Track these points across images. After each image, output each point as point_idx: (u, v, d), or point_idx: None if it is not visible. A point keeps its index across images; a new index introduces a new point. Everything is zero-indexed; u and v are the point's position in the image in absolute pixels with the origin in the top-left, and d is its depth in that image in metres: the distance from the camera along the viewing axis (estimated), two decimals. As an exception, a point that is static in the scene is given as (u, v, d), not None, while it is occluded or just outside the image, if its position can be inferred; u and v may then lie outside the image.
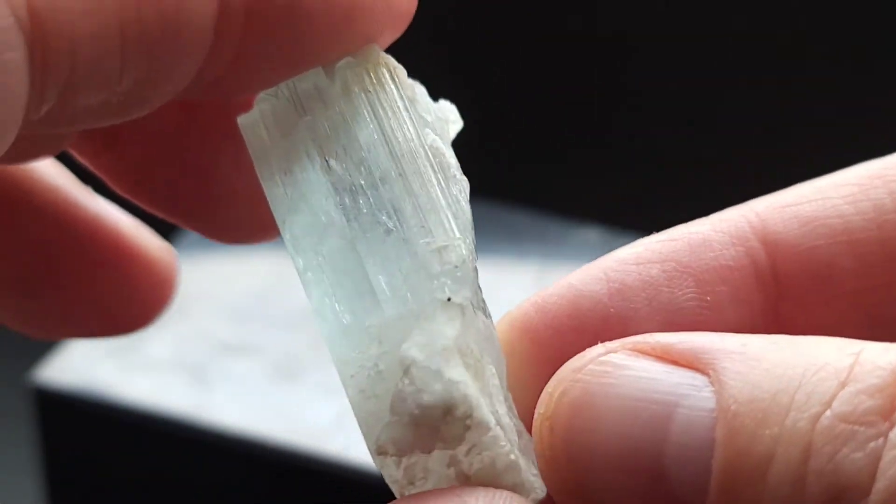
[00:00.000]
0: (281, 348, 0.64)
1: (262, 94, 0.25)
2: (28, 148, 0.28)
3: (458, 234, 0.23)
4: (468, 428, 0.23)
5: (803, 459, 0.21)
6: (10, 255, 0.30)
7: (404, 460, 0.23)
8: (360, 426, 0.23)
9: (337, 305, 0.24)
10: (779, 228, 0.25)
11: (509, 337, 0.25)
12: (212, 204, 0.29)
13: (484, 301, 0.24)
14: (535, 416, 0.22)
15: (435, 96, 0.26)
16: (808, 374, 0.21)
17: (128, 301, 0.31)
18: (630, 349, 0.22)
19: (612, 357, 0.22)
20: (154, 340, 0.63)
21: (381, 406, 0.23)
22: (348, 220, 0.24)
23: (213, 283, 0.67)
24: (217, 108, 0.28)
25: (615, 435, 0.22)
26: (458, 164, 0.25)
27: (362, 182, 0.24)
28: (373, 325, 0.23)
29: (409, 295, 0.23)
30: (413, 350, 0.23)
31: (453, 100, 0.26)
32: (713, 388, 0.21)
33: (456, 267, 0.23)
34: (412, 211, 0.24)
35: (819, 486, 0.20)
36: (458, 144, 0.25)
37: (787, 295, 0.25)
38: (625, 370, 0.22)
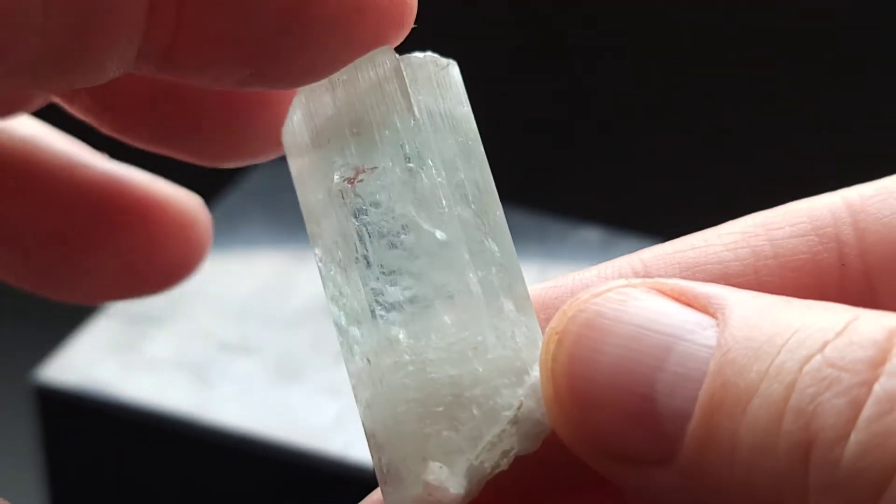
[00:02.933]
0: (281, 348, 0.64)
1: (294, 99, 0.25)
2: None
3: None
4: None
5: (784, 396, 0.21)
6: (30, 223, 0.30)
7: None
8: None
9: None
10: (661, 274, 0.26)
11: None
12: (195, 125, 0.29)
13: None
14: (546, 330, 0.23)
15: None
16: (807, 322, 0.22)
17: (162, 252, 0.31)
18: (650, 286, 0.23)
19: (631, 290, 0.23)
20: (155, 340, 0.63)
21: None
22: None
23: (213, 283, 0.67)
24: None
25: (617, 355, 0.23)
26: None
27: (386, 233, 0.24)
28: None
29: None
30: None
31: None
32: (717, 329, 0.22)
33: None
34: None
35: (795, 424, 0.21)
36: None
37: None
38: (639, 301, 0.23)
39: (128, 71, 0.24)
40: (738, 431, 0.21)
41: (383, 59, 0.25)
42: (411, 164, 0.24)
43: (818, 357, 0.21)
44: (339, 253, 0.24)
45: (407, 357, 0.24)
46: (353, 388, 0.24)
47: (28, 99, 0.29)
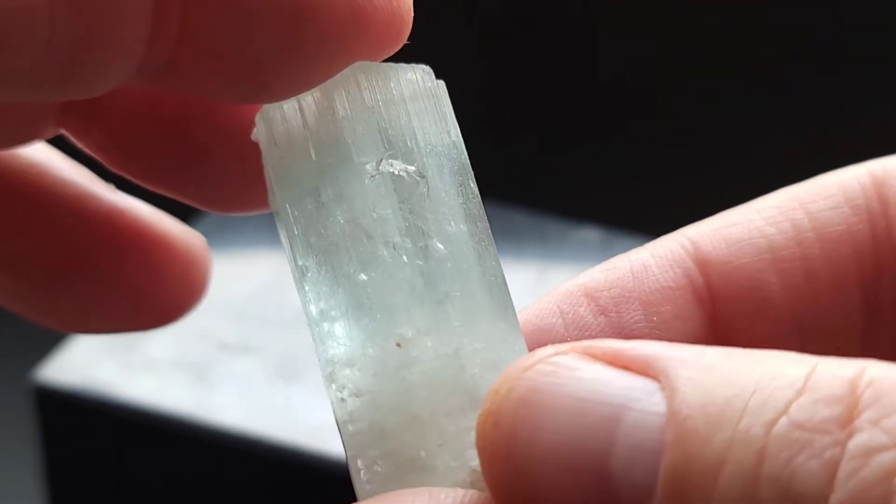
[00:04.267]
0: (281, 348, 0.64)
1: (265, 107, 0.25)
2: None
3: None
4: None
5: (757, 463, 0.20)
6: (33, 250, 0.30)
7: None
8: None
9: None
10: (709, 249, 0.26)
11: None
12: (202, 172, 0.29)
13: None
14: (480, 413, 0.22)
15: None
16: (763, 381, 0.21)
17: (161, 288, 0.31)
18: (580, 352, 0.22)
19: (561, 358, 0.22)
20: (155, 340, 0.63)
21: None
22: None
23: (213, 283, 0.67)
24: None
25: (561, 433, 0.21)
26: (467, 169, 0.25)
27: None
28: None
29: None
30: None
31: (453, 100, 0.26)
32: (664, 394, 0.21)
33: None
34: None
35: (773, 492, 0.20)
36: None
37: (722, 309, 0.26)
38: (574, 371, 0.22)
39: (128, 83, 0.24)
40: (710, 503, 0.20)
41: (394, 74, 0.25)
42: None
43: (784, 420, 0.20)
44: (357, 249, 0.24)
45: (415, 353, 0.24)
46: (331, 375, 0.24)
47: (40, 128, 0.29)
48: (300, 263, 0.25)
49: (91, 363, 0.62)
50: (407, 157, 0.25)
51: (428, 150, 0.25)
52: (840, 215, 0.26)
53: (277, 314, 0.65)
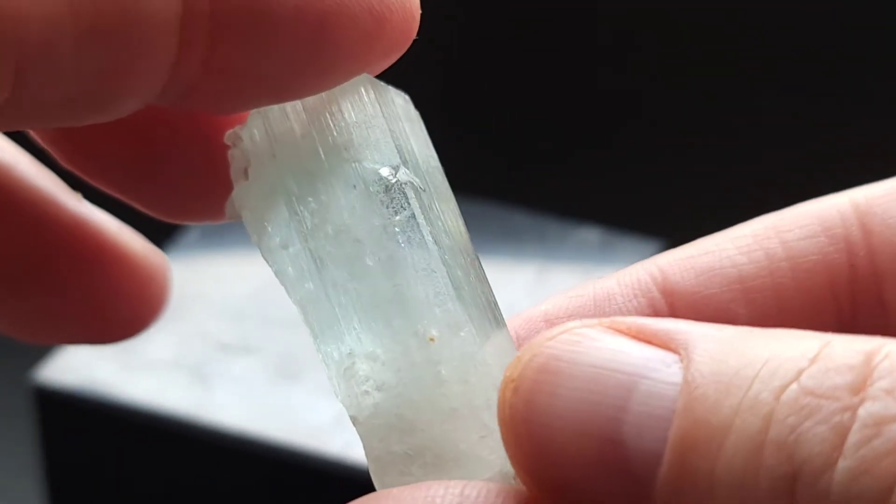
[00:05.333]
0: (281, 348, 0.64)
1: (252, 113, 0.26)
2: None
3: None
4: None
5: (762, 429, 0.20)
6: None
7: None
8: None
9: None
10: (677, 279, 0.26)
11: None
12: (157, 177, 0.28)
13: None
14: (502, 380, 0.22)
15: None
16: (777, 352, 0.21)
17: (118, 304, 0.30)
18: (606, 325, 0.22)
19: (586, 330, 0.22)
20: (154, 340, 0.63)
21: None
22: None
23: (213, 283, 0.67)
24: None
25: (577, 398, 0.22)
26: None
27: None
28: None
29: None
30: None
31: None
32: (682, 365, 0.21)
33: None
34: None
35: (777, 458, 0.20)
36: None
37: None
38: (597, 341, 0.22)
39: (149, 104, 0.24)
40: (714, 471, 0.20)
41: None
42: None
43: (794, 386, 0.20)
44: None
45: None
46: (351, 368, 0.24)
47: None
48: (317, 254, 0.25)
49: (91, 363, 0.62)
50: (416, 170, 0.25)
51: (425, 168, 0.25)
52: (815, 244, 0.26)
53: (277, 314, 0.65)
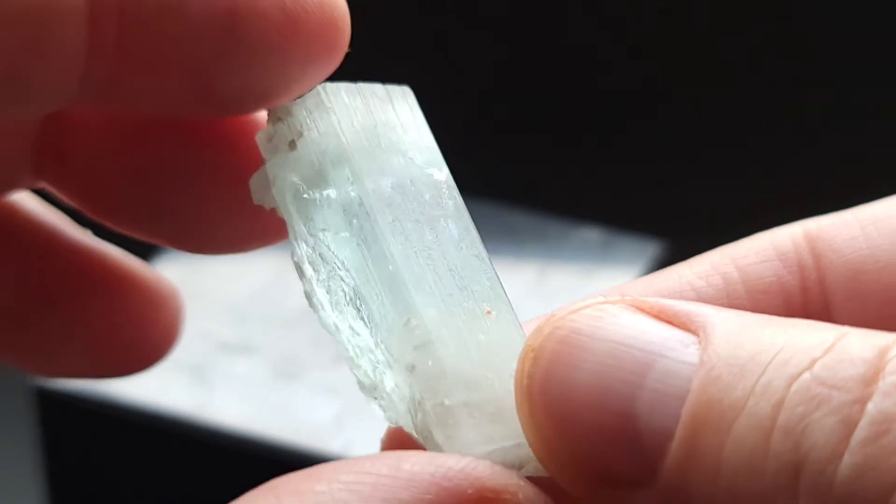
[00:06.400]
0: (281, 348, 0.64)
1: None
2: None
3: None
4: None
5: (772, 415, 0.21)
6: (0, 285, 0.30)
7: None
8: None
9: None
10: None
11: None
12: (182, 217, 0.29)
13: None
14: (522, 349, 0.23)
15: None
16: (793, 340, 0.21)
17: (126, 335, 0.30)
18: (628, 303, 0.23)
19: (610, 307, 0.23)
20: (155, 340, 0.63)
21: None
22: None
23: (213, 283, 0.67)
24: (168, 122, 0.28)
25: (595, 372, 0.22)
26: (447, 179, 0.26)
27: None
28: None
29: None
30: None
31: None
32: (699, 346, 0.22)
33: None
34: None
35: (784, 444, 0.20)
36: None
37: None
38: (618, 318, 0.22)
39: (75, 101, 0.24)
40: (722, 451, 0.21)
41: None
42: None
43: (806, 375, 0.21)
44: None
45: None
46: (407, 322, 0.25)
47: (16, 176, 0.29)
48: (380, 226, 0.26)
49: (91, 363, 0.62)
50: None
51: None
52: (770, 268, 0.26)
53: (277, 314, 0.66)
